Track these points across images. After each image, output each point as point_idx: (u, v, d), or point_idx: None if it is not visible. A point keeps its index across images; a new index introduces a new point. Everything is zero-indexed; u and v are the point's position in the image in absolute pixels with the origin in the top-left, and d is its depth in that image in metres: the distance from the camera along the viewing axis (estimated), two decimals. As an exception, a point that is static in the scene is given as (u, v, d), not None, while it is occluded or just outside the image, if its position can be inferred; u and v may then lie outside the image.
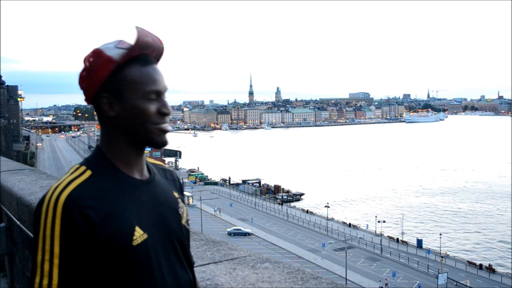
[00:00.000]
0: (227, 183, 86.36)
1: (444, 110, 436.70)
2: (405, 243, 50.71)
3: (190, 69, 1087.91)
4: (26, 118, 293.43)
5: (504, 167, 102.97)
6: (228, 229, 52.41)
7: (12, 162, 6.88)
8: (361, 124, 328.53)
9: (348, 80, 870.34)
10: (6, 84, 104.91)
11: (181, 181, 1.47)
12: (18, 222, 3.59)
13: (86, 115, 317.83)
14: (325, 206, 59.25)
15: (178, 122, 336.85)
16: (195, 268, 2.00)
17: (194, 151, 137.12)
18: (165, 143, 1.23)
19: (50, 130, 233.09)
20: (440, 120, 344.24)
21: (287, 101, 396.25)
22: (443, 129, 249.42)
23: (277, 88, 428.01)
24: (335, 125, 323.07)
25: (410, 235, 53.71)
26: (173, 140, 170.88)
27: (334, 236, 52.22)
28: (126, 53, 1.15)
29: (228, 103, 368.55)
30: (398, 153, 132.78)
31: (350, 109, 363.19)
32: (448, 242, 52.03)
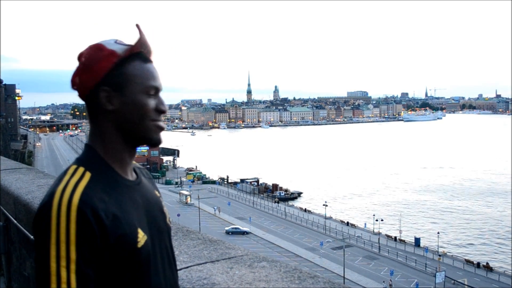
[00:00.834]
0: (225, 182, 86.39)
1: (442, 109, 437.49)
2: (403, 241, 50.81)
3: (188, 67, 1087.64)
4: (24, 117, 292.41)
5: (501, 165, 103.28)
6: (226, 228, 52.41)
7: (10, 161, 6.87)
8: (359, 122, 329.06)
9: (346, 79, 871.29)
10: (3, 83, 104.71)
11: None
12: (15, 221, 3.59)
13: (84, 113, 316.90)
14: (323, 205, 59.32)
15: (176, 121, 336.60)
16: (191, 267, 2.02)
17: (192, 150, 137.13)
18: (160, 141, 1.23)
19: (48, 129, 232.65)
20: (438, 118, 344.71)
21: (285, 100, 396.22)
22: (441, 127, 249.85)
23: (275, 86, 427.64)
24: (333, 123, 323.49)
25: (408, 233, 53.83)
26: (171, 139, 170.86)
27: (332, 234, 52.29)
28: (129, 48, 1.17)
29: (226, 102, 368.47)
30: (396, 151, 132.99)
31: (348, 108, 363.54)
32: (445, 240, 52.17)
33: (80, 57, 1.17)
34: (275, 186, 78.42)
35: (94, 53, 1.16)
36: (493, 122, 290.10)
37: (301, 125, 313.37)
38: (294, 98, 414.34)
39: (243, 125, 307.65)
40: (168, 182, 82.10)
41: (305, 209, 65.00)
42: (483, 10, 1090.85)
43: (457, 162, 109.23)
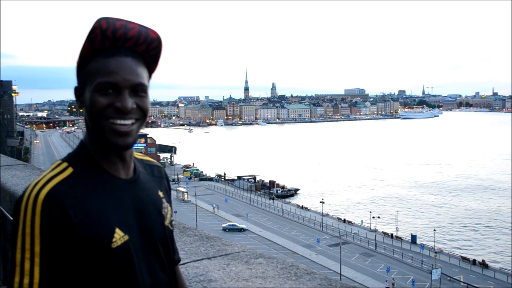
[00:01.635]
0: (222, 179, 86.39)
1: (439, 107, 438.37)
2: (399, 238, 50.93)
3: (186, 64, 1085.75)
4: (21, 114, 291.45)
5: (498, 162, 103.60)
6: (223, 225, 52.43)
7: (6, 158, 6.84)
8: (356, 120, 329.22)
9: (343, 76, 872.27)
10: (0, 79, 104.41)
11: (169, 178, 1.44)
12: (11, 218, 3.57)
13: (81, 110, 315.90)
14: (320, 202, 59.36)
15: (173, 117, 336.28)
16: (188, 264, 2.02)
17: (189, 147, 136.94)
18: (118, 144, 1.12)
19: (44, 126, 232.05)
20: (435, 116, 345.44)
21: (282, 97, 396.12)
22: (438, 125, 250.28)
23: (273, 84, 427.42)
24: (330, 121, 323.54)
25: (404, 230, 53.95)
26: (168, 135, 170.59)
27: (329, 231, 52.40)
28: (86, 45, 1.11)
29: (224, 99, 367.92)
30: (393, 149, 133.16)
31: (346, 105, 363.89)
32: (442, 237, 52.31)
33: None
34: (272, 183, 78.47)
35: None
36: (490, 120, 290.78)
37: (298, 122, 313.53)
38: (292, 95, 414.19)
39: (240, 122, 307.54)
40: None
41: (302, 206, 65.08)
42: (481, 9, 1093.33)
43: (454, 159, 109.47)
